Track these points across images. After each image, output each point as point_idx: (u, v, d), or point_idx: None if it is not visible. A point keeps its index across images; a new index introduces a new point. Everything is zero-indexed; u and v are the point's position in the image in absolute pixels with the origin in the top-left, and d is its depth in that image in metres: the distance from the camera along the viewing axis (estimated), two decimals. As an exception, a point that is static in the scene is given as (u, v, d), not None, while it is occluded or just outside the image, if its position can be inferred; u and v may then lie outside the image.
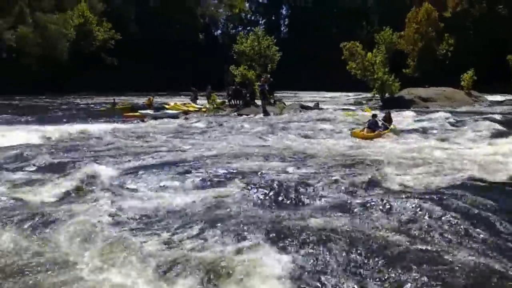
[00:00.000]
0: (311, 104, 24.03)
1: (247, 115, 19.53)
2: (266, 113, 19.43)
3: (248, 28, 50.11)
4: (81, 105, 28.48)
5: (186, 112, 20.35)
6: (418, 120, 17.16)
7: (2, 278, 3.64)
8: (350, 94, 38.18)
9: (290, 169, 7.54)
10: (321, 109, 22.91)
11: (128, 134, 12.90)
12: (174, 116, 18.77)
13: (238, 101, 22.08)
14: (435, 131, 13.62)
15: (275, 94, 23.61)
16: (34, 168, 7.73)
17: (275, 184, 6.18)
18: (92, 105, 28.23)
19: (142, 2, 56.05)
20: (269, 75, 23.15)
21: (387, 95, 26.00)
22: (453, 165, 7.66)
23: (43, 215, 4.92)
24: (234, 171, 7.39)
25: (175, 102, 23.61)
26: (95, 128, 14.11)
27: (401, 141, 11.34)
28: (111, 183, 6.49)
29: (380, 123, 12.58)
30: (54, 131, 12.82)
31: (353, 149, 9.90)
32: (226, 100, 23.04)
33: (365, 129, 12.06)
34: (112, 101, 23.63)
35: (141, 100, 24.23)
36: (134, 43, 49.20)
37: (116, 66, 47.91)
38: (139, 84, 42.42)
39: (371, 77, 25.44)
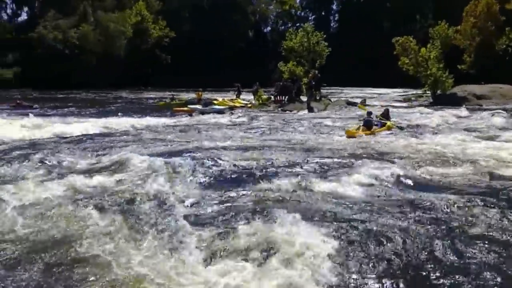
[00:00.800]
0: (357, 101, 23.12)
1: (290, 111, 19.20)
2: (310, 109, 18.96)
3: (298, 24, 49.24)
4: (135, 100, 29.43)
5: (232, 108, 20.38)
6: (464, 117, 16.03)
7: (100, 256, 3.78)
8: (399, 90, 36.44)
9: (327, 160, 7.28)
10: (368, 105, 21.95)
11: (178, 128, 13.20)
12: (221, 112, 18.87)
13: (283, 97, 21.77)
14: (479, 131, 12.55)
15: (321, 91, 23.01)
16: (96, 155, 8.06)
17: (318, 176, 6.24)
18: (148, 100, 29.08)
19: (196, 0, 56.98)
20: (316, 71, 22.64)
21: (439, 92, 24.56)
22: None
23: (111, 198, 5.21)
24: (281, 164, 7.30)
25: (223, 98, 23.73)
26: (151, 121, 14.81)
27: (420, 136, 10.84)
28: (164, 171, 6.52)
29: (375, 121, 11.99)
30: (113, 122, 13.83)
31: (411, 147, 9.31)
32: (272, 96, 22.82)
33: (361, 127, 11.48)
34: (171, 96, 24.03)
35: (192, 95, 24.57)
36: (186, 40, 50.20)
37: (169, 63, 49.19)
38: (190, 80, 43.22)
39: (424, 73, 24.07)
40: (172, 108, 20.43)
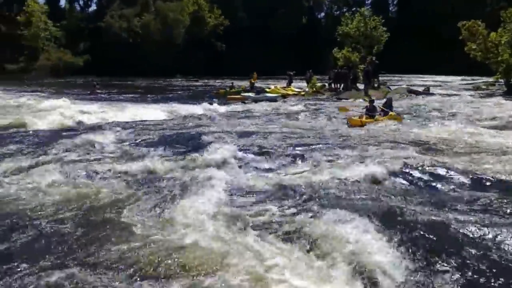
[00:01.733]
0: (420, 89, 21.42)
1: (346, 99, 18.17)
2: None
3: (354, 9, 46.90)
4: (192, 87, 29.69)
5: (285, 96, 19.77)
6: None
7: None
8: (467, 78, 33.37)
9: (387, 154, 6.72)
10: (432, 94, 20.26)
11: (233, 115, 13.32)
12: (273, 99, 18.38)
13: (338, 85, 20.73)
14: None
15: (379, 78, 21.58)
16: (163, 141, 8.15)
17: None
18: (206, 87, 29.21)
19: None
20: (374, 57, 21.27)
21: (513, 80, 22.06)
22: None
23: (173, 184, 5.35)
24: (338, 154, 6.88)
25: (275, 85, 23.11)
26: (209, 108, 15.06)
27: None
28: (223, 157, 6.57)
29: (378, 109, 11.69)
30: (175, 109, 14.30)
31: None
32: (326, 84, 21.85)
33: (364, 116, 11.23)
34: (230, 84, 23.76)
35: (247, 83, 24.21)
36: (240, 28, 49.84)
37: (224, 51, 49.20)
38: (244, 68, 42.92)
39: (494, 60, 21.70)
40: (227, 96, 20.23)
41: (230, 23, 49.91)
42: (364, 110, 11.71)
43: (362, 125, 10.45)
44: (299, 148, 7.34)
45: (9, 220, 4.24)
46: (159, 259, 3.43)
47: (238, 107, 16.10)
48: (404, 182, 5.55)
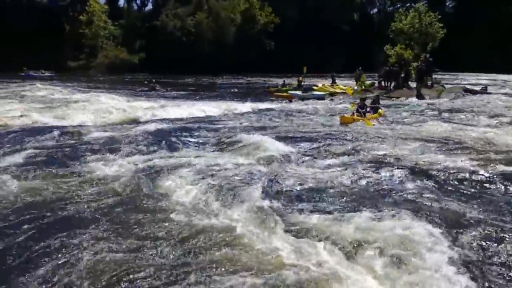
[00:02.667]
0: (477, 88, 19.95)
1: (397, 97, 17.29)
2: (420, 97, 16.83)
3: (408, 4, 44.77)
4: (242, 85, 29.88)
5: (332, 94, 19.27)
6: None
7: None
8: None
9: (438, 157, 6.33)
10: (490, 93, 18.80)
11: (283, 113, 13.05)
12: (320, 98, 17.95)
13: (389, 83, 19.83)
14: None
15: (433, 76, 20.37)
16: (213, 136, 8.32)
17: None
18: (255, 85, 29.30)
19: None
20: (428, 55, 20.10)
21: None
22: None
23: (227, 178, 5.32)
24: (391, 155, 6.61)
25: (323, 83, 22.58)
26: (260, 106, 15.02)
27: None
28: (268, 154, 6.54)
29: (368, 107, 11.80)
30: (226, 106, 14.54)
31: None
32: (376, 82, 20.99)
33: (355, 114, 11.21)
34: (282, 82, 23.52)
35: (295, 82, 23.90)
36: (290, 25, 49.40)
37: (273, 48, 48.99)
38: (293, 65, 42.50)
39: None
40: (273, 93, 20.05)
41: (280, 21, 49.60)
42: (355, 108, 11.82)
43: (352, 122, 10.62)
44: (341, 145, 7.22)
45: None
46: (221, 257, 3.43)
47: (285, 105, 15.91)
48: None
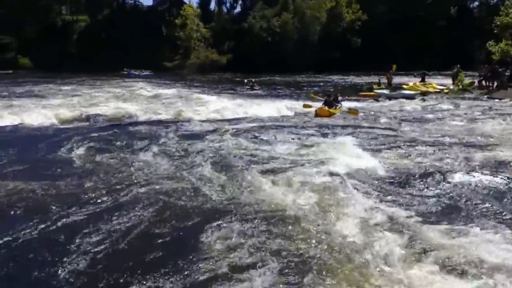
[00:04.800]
0: None
1: (500, 99, 15.57)
2: (529, 99, 14.95)
3: (517, -5, 39.86)
4: (327, 84, 29.28)
5: (424, 93, 17.98)
6: None
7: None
8: None
9: None
10: None
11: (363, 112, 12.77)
12: (410, 97, 16.88)
13: (491, 83, 17.94)
14: None
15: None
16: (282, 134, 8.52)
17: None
18: (343, 83, 28.58)
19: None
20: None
21: None
22: None
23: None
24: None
25: (415, 82, 21.15)
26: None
27: None
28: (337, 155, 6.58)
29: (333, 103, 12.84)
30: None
31: None
32: (476, 81, 19.13)
33: (325, 107, 12.13)
34: (377, 81, 22.53)
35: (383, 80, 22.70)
36: (379, 22, 47.16)
37: (359, 46, 47.20)
38: (382, 63, 40.48)
39: None
40: (358, 92, 19.37)
41: (369, 17, 47.62)
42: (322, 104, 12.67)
43: (329, 115, 11.45)
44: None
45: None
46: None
47: (370, 104, 15.27)
48: None
